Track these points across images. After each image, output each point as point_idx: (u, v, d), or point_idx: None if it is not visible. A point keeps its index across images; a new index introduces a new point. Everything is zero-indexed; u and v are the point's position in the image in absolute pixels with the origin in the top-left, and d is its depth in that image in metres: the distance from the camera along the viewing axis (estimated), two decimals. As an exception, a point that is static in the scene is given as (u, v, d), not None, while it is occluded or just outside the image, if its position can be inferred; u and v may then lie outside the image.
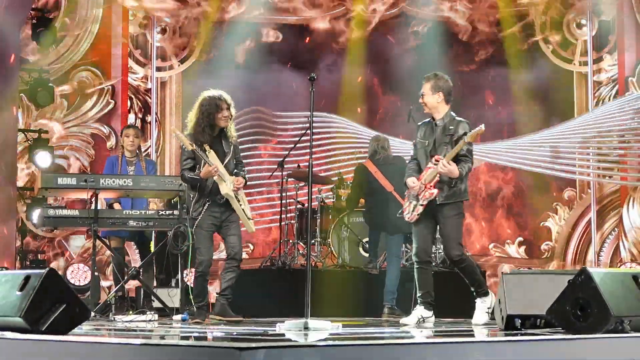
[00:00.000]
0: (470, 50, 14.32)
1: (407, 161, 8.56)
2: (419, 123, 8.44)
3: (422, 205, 8.07)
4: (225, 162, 8.48)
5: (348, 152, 14.19)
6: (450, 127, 8.10)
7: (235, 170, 8.57)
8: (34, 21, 12.51)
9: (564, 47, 14.25)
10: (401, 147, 13.41)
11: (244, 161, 8.95)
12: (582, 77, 14.21)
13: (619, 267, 13.01)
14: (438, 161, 7.95)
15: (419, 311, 8.18)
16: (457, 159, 8.01)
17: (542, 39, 14.25)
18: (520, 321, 6.39)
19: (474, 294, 8.07)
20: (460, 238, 8.23)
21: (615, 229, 13.77)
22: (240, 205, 8.49)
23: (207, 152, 8.39)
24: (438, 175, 7.97)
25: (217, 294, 8.76)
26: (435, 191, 8.00)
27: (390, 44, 14.42)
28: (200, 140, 8.42)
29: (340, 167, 14.01)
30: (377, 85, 14.68)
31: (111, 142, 13.40)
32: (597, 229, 13.91)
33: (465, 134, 8.01)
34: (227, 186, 8.41)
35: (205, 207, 8.47)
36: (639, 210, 13.62)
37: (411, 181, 8.13)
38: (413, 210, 8.13)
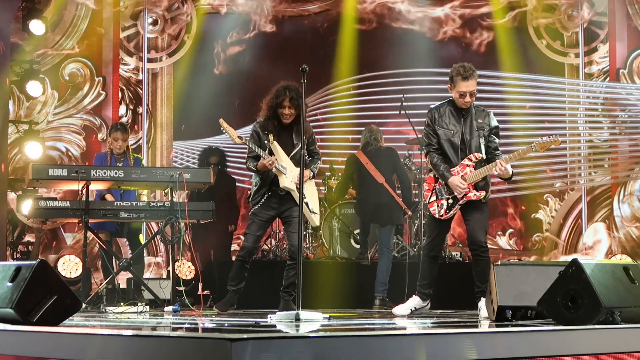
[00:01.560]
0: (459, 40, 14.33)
1: (426, 147, 8.14)
2: (432, 107, 8.12)
3: (460, 204, 7.92)
4: (292, 154, 8.43)
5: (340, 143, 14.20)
6: (480, 120, 7.93)
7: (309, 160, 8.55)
8: (25, 12, 12.46)
9: (555, 39, 14.24)
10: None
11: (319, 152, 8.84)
12: (574, 69, 14.20)
13: (610, 258, 13.04)
14: (472, 159, 7.85)
15: (414, 301, 8.16)
16: (491, 154, 7.94)
17: (534, 30, 14.24)
18: (511, 312, 6.39)
19: (478, 293, 7.82)
20: (488, 227, 8.17)
21: (606, 220, 13.80)
22: (304, 198, 8.27)
23: (270, 143, 8.34)
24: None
25: (280, 290, 8.73)
26: (483, 193, 7.90)
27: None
28: (267, 130, 8.39)
29: (332, 158, 14.01)
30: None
31: (102, 134, 13.38)
32: (587, 220, 13.93)
33: (497, 126, 7.96)
34: (287, 179, 8.36)
35: (264, 198, 8.46)
36: (630, 202, 13.65)
37: (459, 182, 7.83)
38: (449, 209, 7.94)
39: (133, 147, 12.66)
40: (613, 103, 13.94)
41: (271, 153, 8.39)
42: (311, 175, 8.58)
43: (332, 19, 14.33)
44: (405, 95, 12.13)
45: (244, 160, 8.62)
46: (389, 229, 10.31)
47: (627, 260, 12.06)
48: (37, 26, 12.33)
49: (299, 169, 8.13)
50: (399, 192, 10.60)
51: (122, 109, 13.71)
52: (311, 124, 13.97)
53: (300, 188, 7.17)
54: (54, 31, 13.26)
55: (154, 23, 14.19)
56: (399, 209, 10.39)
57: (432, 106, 8.12)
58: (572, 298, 5.53)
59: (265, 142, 8.38)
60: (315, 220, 8.80)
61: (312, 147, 8.67)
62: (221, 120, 8.65)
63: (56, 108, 13.33)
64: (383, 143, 10.71)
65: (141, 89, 13.99)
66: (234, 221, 12.64)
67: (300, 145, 8.19)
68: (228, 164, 13.04)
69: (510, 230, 14.18)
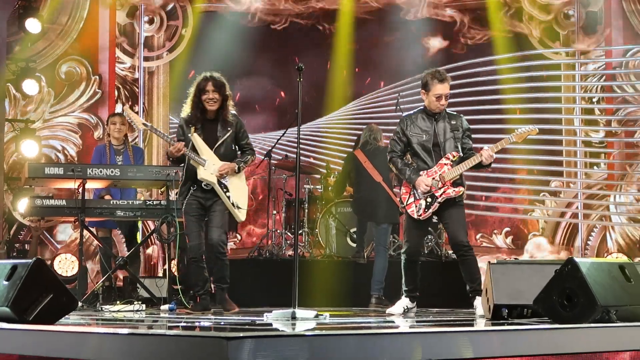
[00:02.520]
0: (456, 39, 14.33)
1: (389, 154, 8.30)
2: (404, 115, 8.36)
3: (439, 202, 8.00)
4: (215, 147, 8.27)
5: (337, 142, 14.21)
6: (453, 122, 8.08)
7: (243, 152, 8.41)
8: (21, 11, 12.46)
9: (551, 37, 14.24)
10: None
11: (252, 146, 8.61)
12: (570, 68, 14.21)
13: (606, 257, 13.05)
14: (449, 158, 7.95)
15: (404, 302, 8.21)
16: (466, 152, 8.07)
17: (529, 29, 14.24)
18: (507, 311, 6.41)
19: (472, 292, 7.92)
20: (466, 226, 8.24)
21: (602, 218, 13.81)
22: (227, 192, 8.25)
23: (191, 135, 8.19)
24: (459, 175, 7.97)
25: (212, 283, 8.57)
26: (461, 189, 8.00)
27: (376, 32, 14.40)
28: (191, 123, 8.25)
29: (328, 157, 14.03)
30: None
31: (98, 132, 13.37)
32: (583, 219, 13.94)
33: (469, 128, 8.16)
34: (206, 171, 8.17)
35: (190, 192, 8.27)
36: (626, 200, 13.66)
37: (424, 181, 7.96)
38: (428, 208, 8.01)
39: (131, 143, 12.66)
40: (609, 101, 13.93)
41: (194, 147, 8.22)
42: (236, 168, 8.29)
43: (332, 15, 14.31)
44: (401, 94, 12.15)
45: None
46: (385, 228, 10.31)
47: (622, 258, 12.06)
48: (33, 24, 12.34)
49: (222, 162, 8.21)
50: (396, 191, 10.61)
51: (119, 108, 13.69)
52: (310, 123, 14.28)
53: (296, 198, 7.10)
54: (50, 29, 13.25)
55: (150, 22, 14.18)
56: (396, 208, 10.39)
57: (403, 115, 8.40)
58: (568, 296, 5.55)
59: (189, 135, 8.23)
60: (240, 215, 8.40)
61: (242, 142, 8.44)
62: (125, 107, 8.64)
63: (52, 106, 13.32)
64: (382, 142, 10.72)
65: (137, 88, 13.99)
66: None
67: (224, 137, 8.21)
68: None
69: (507, 228, 14.18)
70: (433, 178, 8.00)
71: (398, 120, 8.45)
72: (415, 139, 8.10)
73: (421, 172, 8.05)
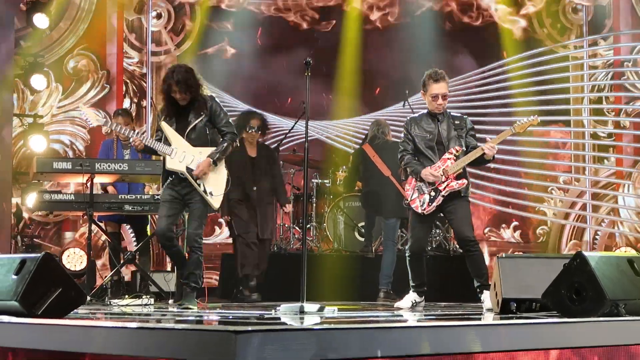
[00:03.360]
0: (464, 33, 14.32)
1: (400, 153, 8.31)
2: (409, 118, 8.36)
3: (443, 196, 8.01)
4: (186, 133, 7.98)
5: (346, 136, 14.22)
6: (457, 122, 8.12)
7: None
8: (29, 6, 12.47)
9: (560, 31, 14.22)
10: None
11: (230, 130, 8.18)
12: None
13: (614, 251, 13.03)
14: (452, 152, 7.98)
15: (412, 296, 8.22)
16: (469, 150, 8.08)
17: (538, 23, 14.23)
18: (515, 305, 6.41)
19: (479, 287, 7.92)
20: (471, 221, 8.25)
21: (611, 212, 13.79)
22: (198, 181, 7.97)
23: (159, 125, 8.04)
24: (462, 168, 7.99)
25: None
26: (465, 181, 8.02)
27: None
28: (166, 114, 8.06)
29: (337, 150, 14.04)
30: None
31: (106, 127, 13.37)
32: (592, 213, 13.92)
33: (473, 128, 8.18)
34: (173, 160, 7.94)
35: (167, 180, 8.05)
36: (634, 194, 13.64)
37: (431, 171, 7.99)
38: (432, 202, 8.02)
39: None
40: (618, 95, 13.91)
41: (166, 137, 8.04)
42: (212, 162, 7.97)
43: (340, 12, 14.31)
44: (407, 91, 12.17)
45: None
46: (394, 222, 10.32)
47: (631, 252, 12.05)
48: (41, 20, 12.35)
49: (195, 149, 7.96)
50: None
51: (126, 102, 13.71)
52: (316, 120, 14.26)
53: (305, 192, 7.08)
54: (58, 24, 13.27)
55: (158, 16, 14.18)
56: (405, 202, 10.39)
57: (409, 117, 8.38)
58: (577, 290, 5.54)
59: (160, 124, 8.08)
60: (214, 202, 8.05)
61: (220, 125, 8.10)
62: (80, 105, 8.51)
63: (60, 101, 13.34)
64: (390, 137, 10.73)
65: (145, 82, 13.99)
66: (285, 200, 10.93)
67: (195, 123, 7.97)
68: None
69: (515, 222, 14.17)
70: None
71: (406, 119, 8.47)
72: (419, 138, 8.14)
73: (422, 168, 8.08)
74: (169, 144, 7.99)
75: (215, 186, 8.09)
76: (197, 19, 14.17)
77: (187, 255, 8.26)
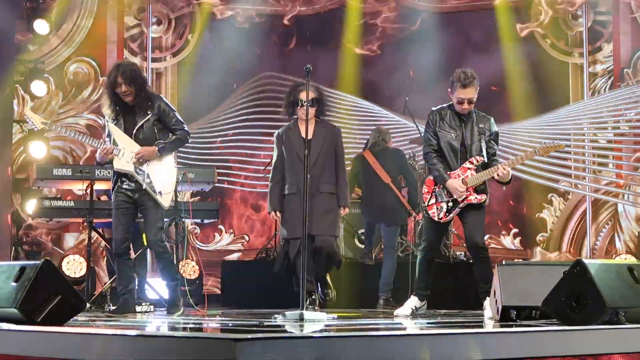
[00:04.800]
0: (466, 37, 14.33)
1: (425, 149, 8.10)
2: (433, 109, 8.12)
3: (460, 207, 7.93)
4: (134, 132, 7.82)
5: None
6: (481, 125, 7.96)
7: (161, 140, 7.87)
8: (29, 12, 12.49)
9: (559, 38, 14.22)
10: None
11: (180, 126, 7.96)
12: (578, 68, 14.19)
13: (614, 258, 13.02)
14: (473, 163, 7.87)
15: (413, 301, 8.17)
16: (489, 160, 7.96)
17: (538, 30, 14.23)
18: (515, 312, 6.39)
19: (482, 293, 7.82)
20: (484, 228, 8.19)
21: (611, 220, 13.78)
22: (145, 178, 7.78)
23: (108, 128, 7.87)
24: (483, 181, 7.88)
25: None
26: (484, 197, 7.93)
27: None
28: (112, 116, 7.87)
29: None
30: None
31: (106, 133, 13.36)
32: (592, 220, 13.91)
33: (497, 132, 8.06)
34: (120, 161, 7.75)
35: (116, 185, 7.85)
36: (634, 201, 13.63)
37: (458, 185, 7.82)
38: (449, 212, 7.94)
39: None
40: (618, 103, 13.91)
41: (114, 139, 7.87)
42: (157, 151, 7.80)
43: (340, 16, 14.31)
44: (408, 96, 12.17)
45: None
46: (394, 229, 10.32)
47: (631, 260, 12.04)
48: (41, 26, 12.38)
49: (142, 147, 7.78)
50: (404, 192, 10.61)
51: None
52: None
53: (305, 189, 7.02)
54: (58, 31, 13.27)
55: (158, 23, 14.19)
56: (405, 210, 10.39)
57: (433, 108, 8.14)
58: (577, 298, 5.53)
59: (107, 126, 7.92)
60: (163, 202, 7.84)
61: (170, 124, 7.91)
62: (25, 109, 8.36)
63: (60, 108, 13.34)
64: (391, 144, 10.74)
65: (145, 89, 13.97)
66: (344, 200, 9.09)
67: (142, 122, 7.78)
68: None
69: (515, 230, 14.16)
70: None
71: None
72: (443, 136, 7.95)
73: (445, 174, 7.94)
74: (117, 145, 7.81)
75: (165, 184, 7.89)
76: (197, 25, 14.16)
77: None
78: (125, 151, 7.78)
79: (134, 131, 7.83)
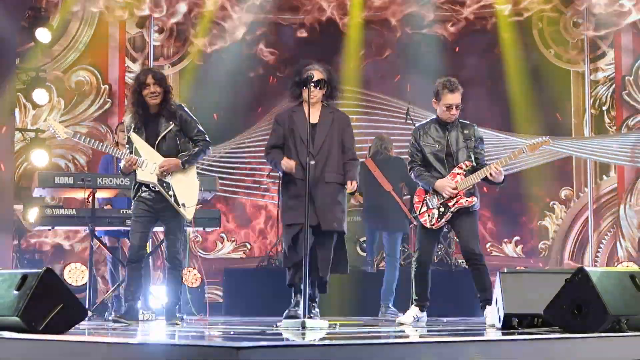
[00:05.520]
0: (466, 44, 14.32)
1: (409, 165, 8.24)
2: (417, 126, 8.32)
3: (452, 212, 7.97)
4: (156, 143, 7.79)
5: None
6: (466, 131, 8.05)
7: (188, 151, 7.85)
8: (31, 20, 12.50)
9: (560, 46, 14.21)
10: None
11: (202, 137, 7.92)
12: (579, 76, 14.18)
13: (616, 266, 13.01)
14: (462, 167, 7.93)
15: (414, 311, 8.18)
16: (478, 164, 8.02)
17: (539, 37, 14.23)
18: (517, 320, 6.39)
19: (483, 302, 7.84)
20: (478, 236, 8.20)
21: (613, 227, 13.77)
22: (169, 191, 7.76)
23: (130, 136, 7.82)
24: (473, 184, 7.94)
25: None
26: (474, 199, 7.97)
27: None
28: (132, 124, 7.83)
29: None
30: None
31: (108, 141, 13.39)
32: (594, 227, 13.90)
33: (481, 138, 8.13)
34: (143, 172, 7.72)
35: (138, 193, 7.82)
36: (637, 208, 13.62)
37: (446, 182, 7.89)
38: (440, 217, 7.97)
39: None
40: (619, 109, 13.90)
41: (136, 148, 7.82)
42: (180, 164, 7.77)
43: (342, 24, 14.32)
44: (410, 104, 12.18)
45: None
46: (395, 237, 10.32)
47: (633, 267, 12.03)
48: (43, 34, 12.38)
49: (165, 159, 7.74)
50: (406, 200, 10.60)
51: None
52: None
53: (307, 198, 7.00)
54: (60, 39, 13.29)
55: (160, 31, 14.20)
56: (406, 217, 10.39)
57: (417, 125, 8.33)
58: (579, 306, 5.53)
59: (129, 136, 7.86)
60: (187, 214, 7.79)
61: (192, 134, 7.86)
62: (49, 118, 8.35)
63: (62, 116, 13.33)
64: (393, 152, 10.74)
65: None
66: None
67: (165, 132, 7.74)
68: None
69: (516, 237, 14.15)
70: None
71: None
72: (428, 149, 8.05)
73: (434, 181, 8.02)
74: (140, 156, 7.79)
75: (188, 197, 7.87)
76: (199, 33, 14.17)
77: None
78: (148, 162, 7.75)
79: (157, 142, 7.80)
